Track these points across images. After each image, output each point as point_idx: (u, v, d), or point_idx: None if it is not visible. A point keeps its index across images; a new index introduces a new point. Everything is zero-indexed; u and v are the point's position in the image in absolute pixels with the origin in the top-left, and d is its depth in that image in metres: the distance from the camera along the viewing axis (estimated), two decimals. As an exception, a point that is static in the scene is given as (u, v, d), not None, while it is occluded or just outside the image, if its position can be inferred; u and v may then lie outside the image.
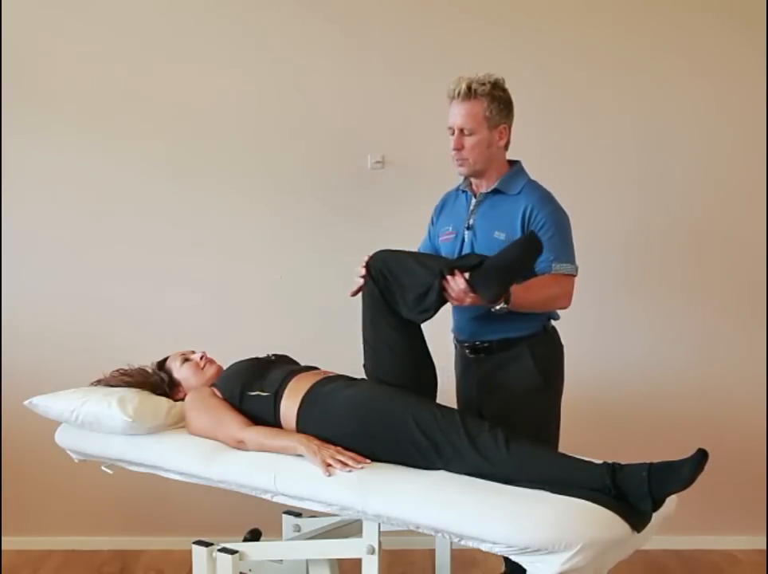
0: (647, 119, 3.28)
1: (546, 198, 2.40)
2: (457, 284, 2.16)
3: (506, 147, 2.46)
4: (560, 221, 2.39)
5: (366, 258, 2.32)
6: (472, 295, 2.17)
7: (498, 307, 2.23)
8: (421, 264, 2.25)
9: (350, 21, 3.26)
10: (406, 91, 3.25)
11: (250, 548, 2.28)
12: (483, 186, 2.47)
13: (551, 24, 3.25)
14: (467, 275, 2.16)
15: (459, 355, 2.60)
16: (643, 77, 3.26)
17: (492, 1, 3.26)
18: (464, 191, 2.54)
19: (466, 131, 2.37)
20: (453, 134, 2.40)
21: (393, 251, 2.32)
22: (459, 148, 2.39)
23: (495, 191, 2.44)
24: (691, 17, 3.26)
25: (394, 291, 2.26)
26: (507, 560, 2.29)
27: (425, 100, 3.21)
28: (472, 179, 2.50)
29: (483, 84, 2.35)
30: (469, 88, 2.34)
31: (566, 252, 2.38)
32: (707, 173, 3.31)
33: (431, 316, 2.25)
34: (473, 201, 2.49)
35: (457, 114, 2.38)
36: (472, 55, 3.17)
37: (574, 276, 2.39)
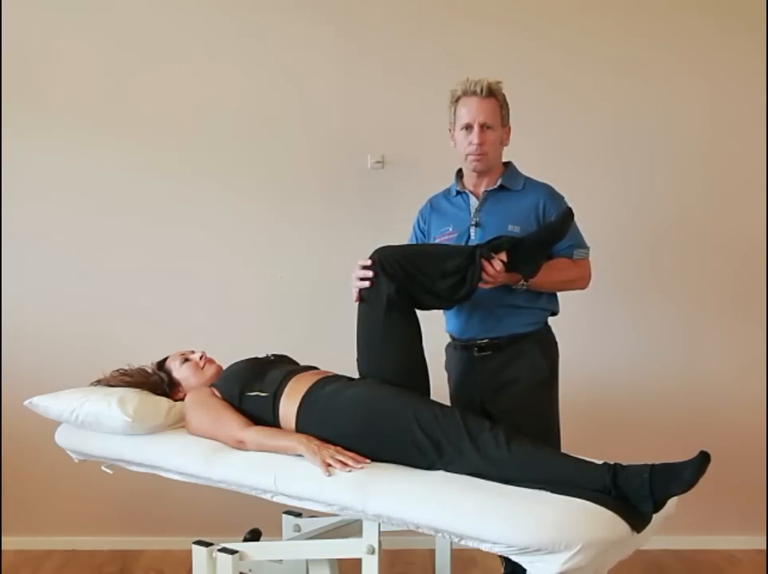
0: (640, 119, 3.28)
1: (553, 192, 2.51)
2: (494, 265, 2.26)
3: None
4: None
5: (364, 262, 2.31)
6: (504, 274, 2.29)
7: (519, 284, 2.37)
8: (447, 252, 2.33)
9: (349, 22, 3.26)
10: (406, 91, 3.25)
11: (250, 548, 2.28)
12: (484, 185, 2.52)
13: (549, 24, 3.25)
14: (503, 256, 2.28)
15: (458, 356, 2.59)
16: (641, 76, 3.26)
17: (491, 2, 3.26)
18: (459, 193, 2.57)
19: (487, 127, 2.43)
20: (471, 131, 2.44)
21: (400, 246, 2.39)
22: (482, 143, 2.44)
23: (500, 188, 2.51)
24: (691, 17, 3.26)
25: (418, 283, 2.28)
26: (507, 560, 2.30)
27: (425, 100, 3.21)
28: (472, 180, 2.53)
29: (495, 85, 2.44)
30: (489, 86, 2.42)
31: (581, 238, 2.52)
32: (703, 173, 3.31)
33: (468, 300, 2.36)
34: (474, 200, 2.52)
35: (479, 110, 2.43)
36: (471, 55, 3.18)
37: (589, 258, 2.54)
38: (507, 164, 2.57)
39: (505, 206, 2.49)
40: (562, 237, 2.37)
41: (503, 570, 2.63)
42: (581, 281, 2.53)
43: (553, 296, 2.55)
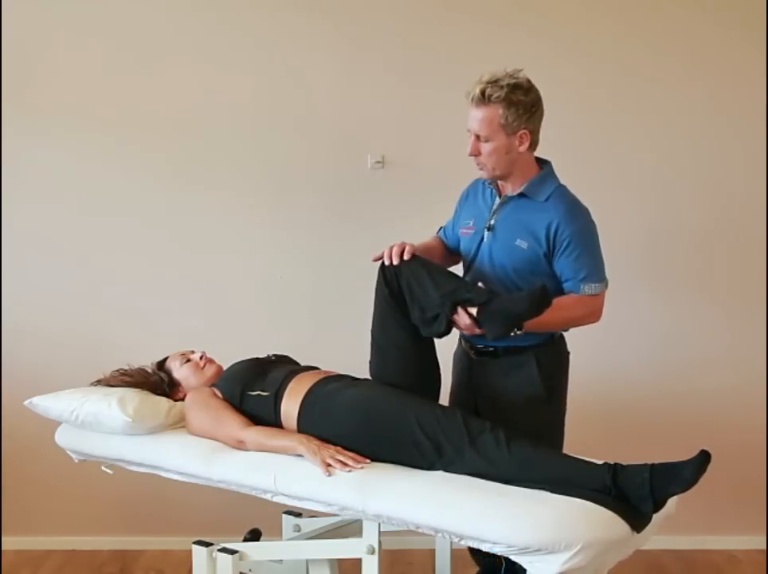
0: (650, 119, 3.27)
1: (572, 213, 2.31)
2: (462, 319, 2.19)
3: (532, 148, 2.34)
4: (587, 236, 2.33)
5: (376, 256, 2.30)
6: (479, 328, 2.20)
7: (512, 334, 2.19)
8: (435, 284, 2.22)
9: (349, 21, 3.25)
10: (406, 91, 3.24)
11: (250, 548, 2.28)
12: (509, 189, 2.37)
13: (551, 24, 3.23)
14: (474, 311, 2.17)
15: (461, 352, 2.55)
16: (643, 77, 3.26)
17: (493, 1, 3.26)
18: (490, 186, 2.43)
19: (482, 138, 2.27)
20: (471, 137, 2.31)
21: (414, 260, 2.27)
22: (475, 154, 2.30)
23: (521, 195, 2.35)
24: (692, 17, 3.25)
25: (405, 297, 2.26)
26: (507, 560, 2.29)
27: (426, 99, 3.21)
28: (497, 180, 2.41)
29: (501, 87, 2.23)
30: (483, 93, 2.23)
31: (595, 269, 2.33)
32: (706, 175, 3.30)
33: (440, 338, 2.29)
34: (497, 200, 2.40)
35: (473, 119, 2.27)
36: (473, 55, 3.17)
37: (604, 291, 2.36)
38: (543, 166, 2.38)
39: (520, 218, 2.33)
40: (533, 317, 2.15)
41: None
42: (589, 318, 2.35)
43: None
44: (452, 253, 2.57)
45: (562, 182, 2.41)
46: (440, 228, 2.63)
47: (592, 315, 2.36)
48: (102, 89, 3.25)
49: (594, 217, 2.39)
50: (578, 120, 3.26)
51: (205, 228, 3.31)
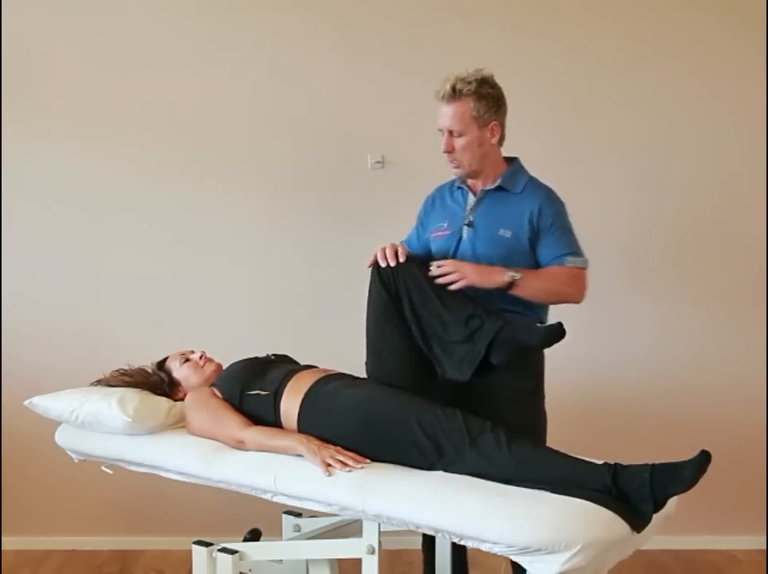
0: (646, 118, 3.27)
1: (551, 197, 2.42)
2: None
3: (500, 143, 2.43)
4: (565, 216, 2.43)
5: (370, 262, 2.30)
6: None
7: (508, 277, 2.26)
8: (438, 297, 2.25)
9: (349, 21, 3.26)
10: (406, 91, 3.25)
11: (250, 548, 2.28)
12: (481, 184, 2.44)
13: (551, 24, 3.24)
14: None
15: None
16: (642, 77, 3.26)
17: (493, 1, 3.25)
18: (459, 187, 2.50)
19: (455, 133, 2.36)
20: (444, 135, 2.38)
21: (407, 261, 2.29)
22: (449, 150, 2.38)
23: (498, 188, 2.42)
24: (691, 17, 3.26)
25: (401, 299, 2.26)
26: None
27: (425, 99, 3.16)
28: (469, 179, 2.47)
29: (469, 82, 2.33)
30: (453, 88, 2.32)
31: (576, 246, 2.40)
32: (705, 175, 3.31)
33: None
34: (471, 197, 2.46)
35: (445, 115, 2.36)
36: (472, 55, 3.15)
37: (586, 269, 2.39)
38: (512, 161, 2.47)
39: (499, 209, 2.41)
40: (542, 348, 2.26)
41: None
42: (573, 290, 2.37)
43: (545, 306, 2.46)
44: None
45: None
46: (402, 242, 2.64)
47: (576, 290, 2.38)
48: (102, 90, 3.26)
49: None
50: (577, 120, 3.27)
51: (204, 228, 3.31)
